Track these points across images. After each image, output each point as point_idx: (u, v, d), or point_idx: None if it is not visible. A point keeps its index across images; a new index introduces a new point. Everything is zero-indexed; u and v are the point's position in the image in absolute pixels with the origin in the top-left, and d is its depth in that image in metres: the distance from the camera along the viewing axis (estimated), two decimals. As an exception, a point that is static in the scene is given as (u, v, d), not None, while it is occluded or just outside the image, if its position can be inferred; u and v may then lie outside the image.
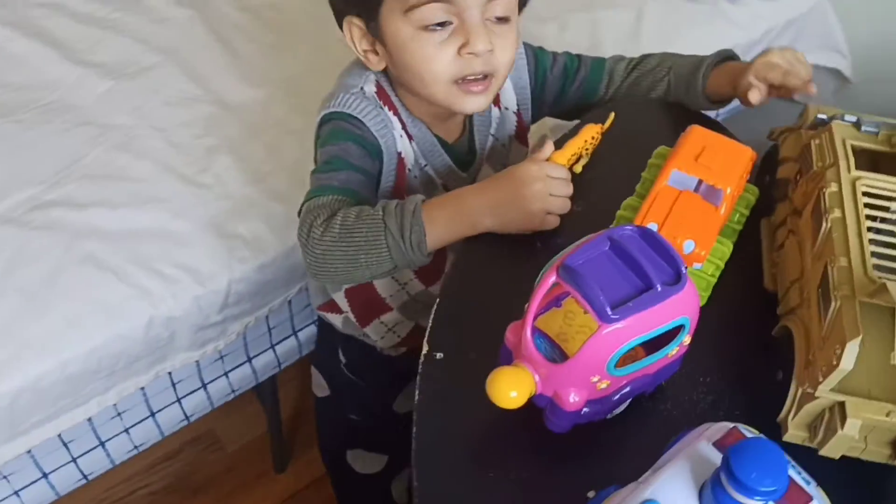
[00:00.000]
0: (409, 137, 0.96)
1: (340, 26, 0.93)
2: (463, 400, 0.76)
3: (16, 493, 1.20)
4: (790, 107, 1.89)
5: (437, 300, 0.82)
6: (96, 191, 1.24)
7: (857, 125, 0.77)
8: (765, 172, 0.89)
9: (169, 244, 1.19)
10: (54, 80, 1.40)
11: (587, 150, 0.93)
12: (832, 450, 0.68)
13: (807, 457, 0.63)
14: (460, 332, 0.80)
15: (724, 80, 1.00)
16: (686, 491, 0.59)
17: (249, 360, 1.37)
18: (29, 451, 1.17)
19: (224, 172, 1.27)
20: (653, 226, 0.77)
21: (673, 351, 0.71)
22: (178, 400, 1.32)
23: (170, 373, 1.25)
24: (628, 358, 0.69)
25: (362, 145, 0.91)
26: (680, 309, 0.67)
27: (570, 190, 0.86)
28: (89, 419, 1.20)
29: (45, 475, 1.22)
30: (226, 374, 1.35)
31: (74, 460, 1.25)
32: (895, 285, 0.61)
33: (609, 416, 0.74)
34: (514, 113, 1.06)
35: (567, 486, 0.71)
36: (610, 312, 0.64)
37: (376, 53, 0.91)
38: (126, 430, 1.28)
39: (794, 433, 0.71)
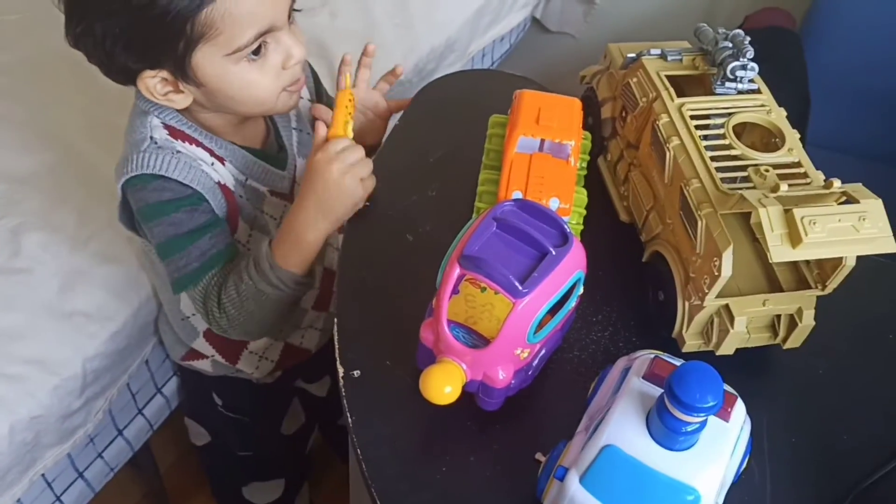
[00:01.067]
0: (221, 161, 0.95)
1: (124, 82, 0.89)
2: (393, 409, 0.77)
3: None
4: (556, 39, 2.01)
5: (336, 321, 0.82)
6: None
7: (662, 56, 0.85)
8: (586, 115, 0.96)
9: (6, 342, 1.10)
10: None
11: (350, 113, 0.94)
12: (727, 347, 0.77)
13: (703, 361, 0.71)
14: (368, 345, 0.81)
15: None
16: (635, 427, 0.65)
17: (120, 432, 1.29)
18: None
19: (39, 251, 1.17)
20: (517, 194, 0.81)
21: (574, 304, 0.77)
22: (58, 498, 1.23)
23: (43, 474, 1.17)
24: (539, 328, 0.73)
25: (182, 206, 0.90)
26: (575, 265, 0.72)
27: (360, 152, 0.89)
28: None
29: None
30: (100, 455, 1.27)
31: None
32: (751, 192, 0.69)
33: (531, 381, 0.79)
34: (308, 100, 1.09)
35: (515, 456, 0.75)
36: (520, 287, 0.68)
37: (180, 92, 0.89)
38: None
39: (691, 343, 0.79)
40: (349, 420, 0.76)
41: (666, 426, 0.62)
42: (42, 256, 1.17)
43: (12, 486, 1.11)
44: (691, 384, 0.60)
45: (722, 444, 0.65)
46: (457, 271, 0.70)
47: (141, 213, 0.91)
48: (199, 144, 0.93)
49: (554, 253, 0.70)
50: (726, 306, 0.75)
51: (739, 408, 0.66)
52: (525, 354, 0.73)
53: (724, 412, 0.65)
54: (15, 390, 1.07)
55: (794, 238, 0.65)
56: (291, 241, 0.89)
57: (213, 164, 0.94)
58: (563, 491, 0.66)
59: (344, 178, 0.86)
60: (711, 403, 0.60)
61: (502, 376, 0.72)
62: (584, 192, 0.87)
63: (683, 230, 0.77)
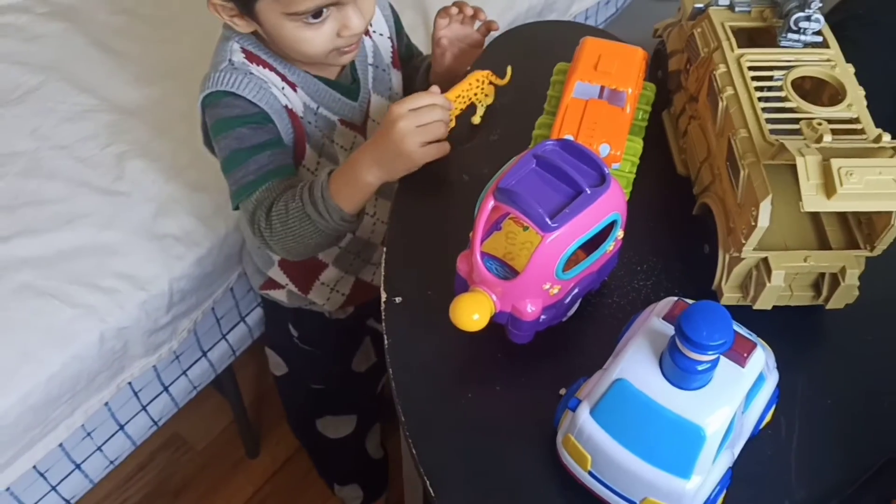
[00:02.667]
0: (293, 87, 0.98)
1: None
2: (428, 335, 0.81)
3: (2, 529, 1.21)
4: (666, 6, 1.98)
5: (385, 248, 0.86)
6: (14, 221, 1.22)
7: (730, 7, 0.83)
8: (656, 68, 0.95)
9: (102, 257, 1.19)
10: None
11: (477, 96, 0.94)
12: (764, 302, 0.76)
13: (744, 316, 0.71)
14: (413, 274, 0.84)
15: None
16: (648, 364, 0.66)
17: (204, 354, 1.38)
18: (8, 489, 1.17)
19: (140, 176, 1.27)
20: (568, 137, 0.82)
21: (610, 247, 0.78)
22: (144, 408, 1.33)
23: (130, 383, 1.26)
24: (572, 262, 0.75)
25: (248, 122, 0.93)
26: (610, 206, 0.73)
27: (439, 114, 0.88)
28: (61, 444, 1.21)
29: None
30: (184, 372, 1.36)
31: (54, 488, 1.25)
32: (792, 142, 0.68)
33: (564, 318, 0.80)
34: (388, 38, 1.10)
35: (539, 389, 0.77)
36: (549, 222, 0.70)
37: (242, 17, 0.93)
38: (99, 448, 1.29)
39: (729, 296, 0.78)
40: (385, 341, 0.79)
41: (676, 364, 0.63)
42: (141, 181, 1.26)
43: (101, 390, 1.21)
44: (699, 322, 0.60)
45: (735, 388, 0.65)
46: (491, 203, 0.72)
47: (212, 128, 0.96)
48: (272, 69, 0.97)
49: (589, 192, 0.71)
50: (765, 259, 0.74)
51: (758, 355, 0.66)
52: (555, 290, 0.75)
53: (739, 357, 0.65)
54: (106, 301, 1.16)
55: (829, 188, 0.64)
56: (348, 178, 0.91)
57: (283, 88, 0.97)
58: (574, 421, 0.68)
59: (405, 138, 0.86)
60: (719, 342, 0.60)
61: (530, 309, 0.74)
62: (640, 141, 0.87)
63: (729, 181, 0.76)
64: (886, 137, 0.68)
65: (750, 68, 0.77)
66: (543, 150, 0.73)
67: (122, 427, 1.31)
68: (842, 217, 0.78)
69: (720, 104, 0.77)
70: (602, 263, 0.79)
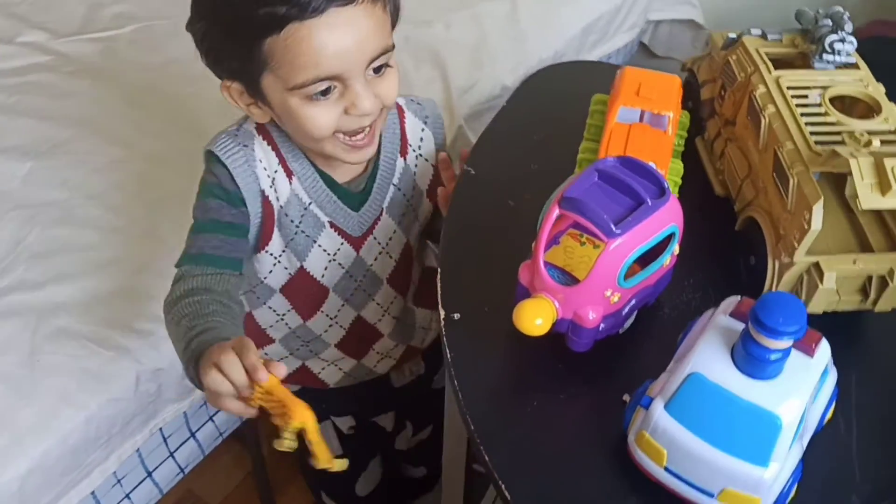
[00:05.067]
0: (289, 174, 0.95)
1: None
2: (488, 349, 0.83)
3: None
4: (661, 62, 2.06)
5: (438, 270, 0.88)
6: (49, 268, 1.24)
7: (763, 36, 0.89)
8: (686, 99, 1.00)
9: (137, 300, 1.20)
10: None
11: (286, 422, 0.74)
12: (816, 305, 0.79)
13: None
14: (468, 294, 0.86)
15: None
16: (720, 358, 0.68)
17: (231, 400, 1.38)
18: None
19: (170, 222, 1.29)
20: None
21: (667, 261, 0.81)
22: (171, 454, 1.32)
23: (160, 428, 1.26)
24: (629, 274, 0.78)
25: (221, 197, 0.91)
26: (670, 218, 0.77)
27: (238, 375, 0.73)
28: (93, 493, 1.20)
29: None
30: (210, 418, 1.36)
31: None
32: (842, 148, 0.72)
33: (621, 330, 0.83)
34: (433, 165, 1.05)
35: (602, 396, 0.79)
36: (614, 228, 0.73)
37: (259, 107, 0.90)
38: (127, 496, 1.28)
39: (781, 302, 0.81)
40: (448, 355, 0.81)
41: (750, 353, 0.65)
42: (173, 227, 1.28)
43: (134, 435, 1.21)
44: (774, 309, 0.63)
45: (805, 377, 0.67)
46: (556, 212, 0.75)
47: (199, 187, 0.94)
48: (276, 149, 0.94)
49: (650, 203, 0.75)
50: (816, 264, 0.78)
51: (824, 347, 0.69)
52: (615, 299, 0.77)
53: (808, 347, 0.67)
54: (142, 344, 1.17)
55: (884, 186, 0.68)
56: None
57: (276, 172, 0.94)
58: (648, 418, 0.69)
59: (204, 366, 0.76)
60: (794, 328, 0.63)
61: (592, 317, 0.77)
62: (681, 163, 0.91)
63: (776, 192, 0.80)
64: (928, 141, 0.72)
65: (788, 88, 0.82)
66: (605, 165, 0.77)
67: (150, 474, 1.30)
68: (882, 223, 0.82)
69: (763, 121, 0.82)
70: (658, 277, 0.82)
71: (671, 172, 0.89)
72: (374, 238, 1.02)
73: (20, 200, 1.33)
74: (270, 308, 1.06)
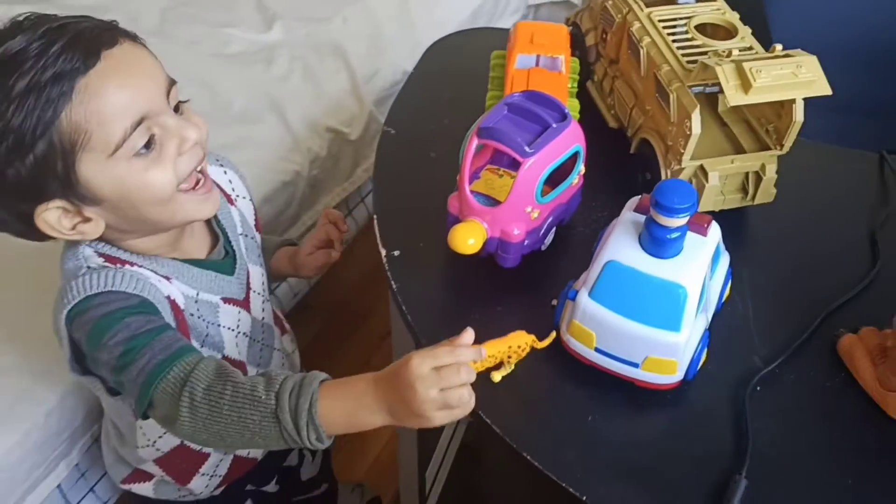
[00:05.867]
0: (167, 279, 0.86)
1: (29, 234, 0.80)
2: (429, 276, 0.92)
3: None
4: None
5: (374, 216, 0.97)
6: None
7: (633, -17, 1.01)
8: (573, 49, 1.12)
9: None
10: None
11: (511, 358, 0.79)
12: (705, 203, 0.92)
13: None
14: (403, 234, 0.95)
15: (284, 261, 1.10)
16: (630, 245, 0.79)
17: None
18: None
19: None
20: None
21: (575, 180, 0.92)
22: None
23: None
24: (544, 195, 0.88)
25: (133, 313, 0.78)
26: (573, 139, 0.88)
27: (465, 377, 0.71)
28: (59, 486, 1.23)
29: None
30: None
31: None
32: (709, 59, 0.84)
33: (543, 247, 0.93)
34: (249, 200, 1.02)
35: (533, 303, 0.89)
36: (527, 149, 0.83)
37: (88, 220, 0.79)
38: (91, 490, 1.31)
39: (676, 206, 0.93)
40: (393, 286, 0.90)
41: (653, 235, 0.77)
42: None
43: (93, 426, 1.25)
44: (670, 192, 0.75)
45: (701, 252, 0.79)
46: (475, 142, 0.85)
47: (90, 335, 0.78)
48: (139, 266, 0.84)
49: (555, 126, 0.86)
50: (701, 167, 0.90)
51: (715, 227, 0.81)
52: (535, 214, 0.88)
53: (700, 227, 0.79)
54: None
55: (746, 85, 0.81)
56: (347, 406, 0.73)
57: (160, 281, 0.84)
58: (575, 308, 0.80)
59: (424, 404, 0.70)
60: (687, 205, 0.74)
61: (516, 232, 0.87)
62: (577, 101, 1.02)
63: (660, 110, 0.92)
64: (779, 47, 0.85)
65: (659, 21, 0.95)
66: (512, 99, 0.87)
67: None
68: (752, 132, 0.95)
69: (641, 52, 0.94)
70: (570, 195, 0.93)
71: (570, 108, 1.00)
72: (254, 291, 0.98)
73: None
74: None
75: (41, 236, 0.80)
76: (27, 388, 1.15)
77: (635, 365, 0.79)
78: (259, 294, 0.99)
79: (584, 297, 0.79)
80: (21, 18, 0.76)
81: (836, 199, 1.01)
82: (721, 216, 0.94)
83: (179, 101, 0.82)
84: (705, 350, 0.82)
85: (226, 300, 0.93)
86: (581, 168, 0.92)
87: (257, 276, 0.99)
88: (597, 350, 0.80)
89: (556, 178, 0.89)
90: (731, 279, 0.88)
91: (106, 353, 0.77)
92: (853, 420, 0.80)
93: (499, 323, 0.88)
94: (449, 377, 0.70)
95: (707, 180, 0.89)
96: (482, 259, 0.91)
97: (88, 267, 0.81)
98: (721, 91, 0.85)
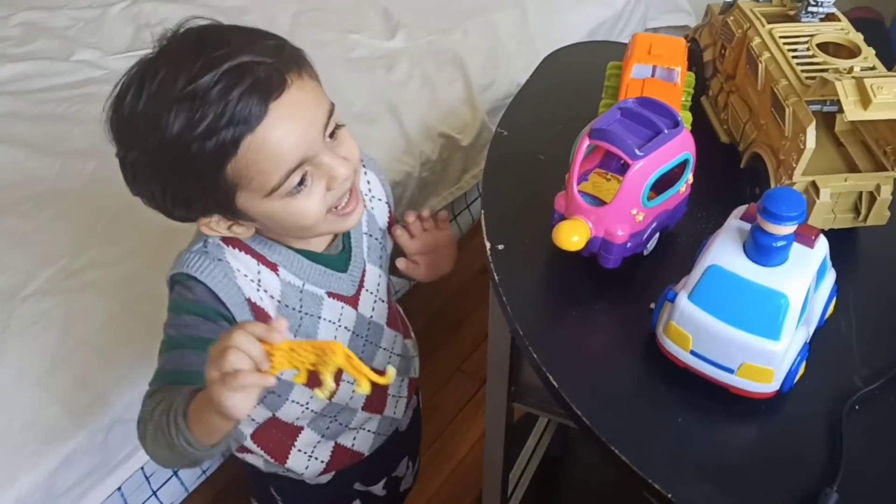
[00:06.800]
0: (274, 268, 0.92)
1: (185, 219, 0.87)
2: (531, 272, 0.95)
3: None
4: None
5: (482, 211, 1.00)
6: (118, 249, 1.37)
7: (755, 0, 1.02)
8: (690, 66, 1.13)
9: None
10: (35, 175, 1.52)
11: (316, 365, 0.74)
12: (815, 221, 0.91)
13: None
14: (509, 230, 0.98)
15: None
16: (733, 251, 0.80)
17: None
18: (119, 488, 1.27)
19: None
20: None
21: (682, 188, 0.93)
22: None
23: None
24: (651, 200, 0.90)
25: (197, 312, 0.87)
26: (683, 146, 0.89)
27: (243, 362, 0.72)
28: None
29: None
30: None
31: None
32: (829, 75, 0.85)
33: (645, 252, 0.94)
34: (386, 203, 1.06)
35: (632, 306, 0.90)
36: (637, 151, 0.85)
37: (241, 225, 0.88)
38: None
39: (784, 222, 0.93)
40: (495, 277, 0.93)
41: (758, 243, 0.77)
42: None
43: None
44: (779, 199, 0.75)
45: (807, 264, 0.79)
46: (586, 143, 0.88)
47: (169, 307, 0.90)
48: (250, 251, 0.91)
49: (666, 132, 0.87)
50: (813, 183, 0.90)
51: (823, 241, 0.80)
52: (640, 217, 0.89)
53: (808, 239, 0.79)
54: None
55: (865, 100, 0.80)
56: (200, 414, 0.78)
57: (259, 273, 0.91)
58: (673, 309, 0.81)
59: (210, 387, 0.73)
60: (796, 213, 0.75)
61: (620, 233, 0.89)
62: (690, 114, 1.03)
63: (775, 125, 0.92)
64: (902, 68, 0.85)
65: (780, 37, 0.95)
66: (626, 104, 0.90)
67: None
68: (868, 151, 0.94)
69: (760, 66, 0.94)
70: (676, 203, 0.94)
71: (682, 117, 1.01)
72: (366, 290, 1.01)
73: (88, 195, 1.46)
74: (293, 401, 1.02)
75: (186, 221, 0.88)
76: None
77: (730, 371, 0.80)
78: (371, 294, 1.02)
79: (683, 300, 0.80)
80: (205, 49, 0.77)
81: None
82: (831, 235, 0.92)
83: (337, 126, 0.85)
84: (803, 363, 0.81)
85: (331, 294, 0.97)
86: (689, 177, 0.93)
87: (373, 276, 1.02)
88: (692, 353, 0.81)
89: (663, 184, 0.91)
90: (835, 297, 0.87)
91: (164, 327, 0.89)
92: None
93: (595, 320, 0.90)
94: (228, 359, 0.72)
95: (818, 197, 0.89)
96: (584, 258, 0.93)
97: (205, 242, 0.89)
98: (839, 109, 0.85)
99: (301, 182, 0.82)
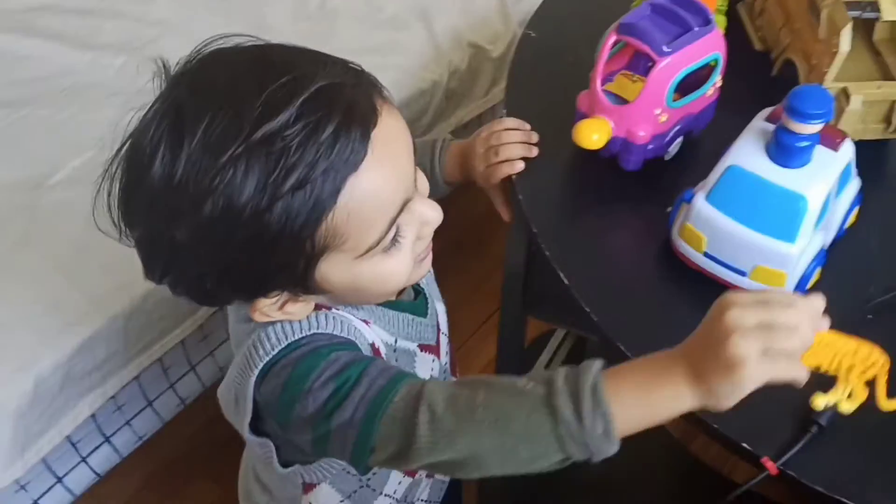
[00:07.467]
0: (366, 323, 0.73)
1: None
2: (552, 173, 0.94)
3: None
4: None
5: (504, 109, 0.99)
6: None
7: None
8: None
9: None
10: (66, 68, 1.52)
11: (843, 371, 0.61)
12: (846, 125, 0.89)
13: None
14: (532, 127, 0.97)
15: (455, 164, 0.91)
16: (755, 152, 0.78)
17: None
18: (137, 378, 1.30)
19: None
20: None
21: (710, 91, 0.90)
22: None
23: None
24: (676, 101, 0.88)
25: (340, 349, 0.67)
26: (714, 46, 0.87)
27: (800, 343, 0.58)
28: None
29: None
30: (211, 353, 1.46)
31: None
32: (868, -26, 0.81)
33: (667, 156, 0.93)
34: None
35: (649, 208, 0.89)
36: (664, 48, 0.83)
37: (299, 302, 0.67)
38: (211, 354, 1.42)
39: (813, 129, 0.91)
40: (512, 176, 0.92)
41: (781, 143, 0.75)
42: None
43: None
44: (805, 96, 0.73)
45: (829, 167, 0.77)
46: (613, 38, 0.86)
47: (290, 383, 0.65)
48: (338, 310, 0.71)
49: (697, 29, 0.85)
50: (844, 89, 0.87)
51: (848, 144, 0.78)
52: (664, 118, 0.87)
53: (832, 142, 0.77)
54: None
55: (904, 0, 0.77)
56: (641, 383, 0.60)
57: (362, 325, 0.72)
58: (690, 210, 0.80)
59: (730, 336, 0.56)
60: (821, 111, 0.72)
61: (642, 134, 0.87)
62: (725, 19, 1.00)
63: (809, 29, 0.89)
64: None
65: (822, -62, 0.91)
66: (657, 0, 0.87)
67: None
68: (905, 59, 0.91)
69: (798, -32, 0.91)
70: (702, 107, 0.91)
71: (717, 23, 0.98)
72: (442, 333, 0.84)
73: (116, 89, 1.46)
74: (385, 495, 0.83)
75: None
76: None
77: (743, 273, 0.79)
78: (445, 335, 0.85)
79: (700, 200, 0.79)
80: (266, 78, 0.58)
81: None
82: (860, 146, 0.90)
83: None
84: (818, 269, 0.80)
85: (422, 347, 0.79)
86: (718, 79, 0.90)
87: (442, 314, 0.84)
88: (706, 255, 0.80)
89: (690, 86, 0.88)
90: (858, 206, 0.85)
91: (311, 400, 0.64)
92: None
93: (612, 221, 0.90)
94: (777, 337, 0.56)
95: (849, 104, 0.86)
96: (605, 160, 0.91)
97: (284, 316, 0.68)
98: (878, 15, 0.82)
99: (397, 234, 0.65)
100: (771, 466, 0.69)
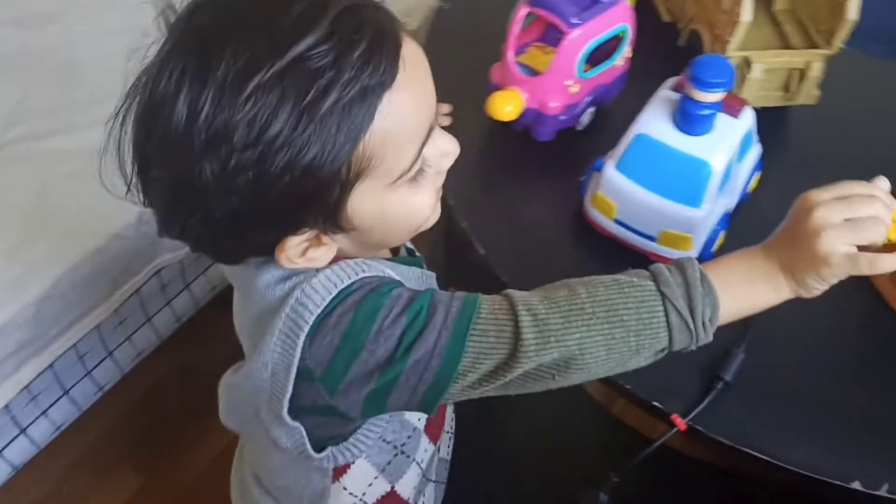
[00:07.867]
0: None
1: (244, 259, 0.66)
2: (467, 146, 0.94)
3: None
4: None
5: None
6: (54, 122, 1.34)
7: None
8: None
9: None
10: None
11: None
12: (747, 92, 0.92)
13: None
14: (444, 101, 0.97)
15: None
16: (662, 121, 0.81)
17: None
18: (51, 365, 1.27)
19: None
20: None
21: (619, 61, 0.92)
22: (169, 302, 1.43)
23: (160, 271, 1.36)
24: (587, 73, 0.89)
25: (395, 286, 0.64)
26: (622, 17, 0.89)
27: (879, 209, 0.62)
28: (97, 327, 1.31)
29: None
30: (204, 271, 1.47)
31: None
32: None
33: (579, 126, 0.95)
34: None
35: (562, 179, 0.91)
36: (573, 20, 0.84)
37: (322, 245, 0.63)
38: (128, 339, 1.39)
39: (717, 97, 0.94)
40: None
41: (686, 111, 0.78)
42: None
43: (135, 275, 1.32)
44: (706, 65, 0.75)
45: (731, 134, 0.80)
46: (524, 10, 0.87)
47: (352, 329, 0.61)
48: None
49: (605, 1, 0.87)
50: (746, 58, 0.90)
51: (748, 111, 0.81)
52: (575, 90, 0.89)
53: (734, 109, 0.80)
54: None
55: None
56: (743, 275, 0.65)
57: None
58: (600, 179, 0.82)
59: (822, 234, 0.61)
60: (722, 80, 0.75)
61: (554, 105, 0.89)
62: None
63: (714, 1, 0.92)
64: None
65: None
66: (564, -28, 0.88)
67: (149, 319, 1.41)
68: (803, 29, 0.94)
69: (700, -61, 0.93)
70: (613, 77, 0.94)
71: (624, -2, 1.00)
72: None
73: (17, 64, 1.41)
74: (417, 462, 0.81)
75: (243, 260, 0.66)
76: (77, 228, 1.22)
77: (652, 238, 0.81)
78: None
79: (610, 169, 0.81)
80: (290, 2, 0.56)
81: (880, 111, 1.00)
82: (762, 114, 0.94)
83: None
84: (722, 233, 0.83)
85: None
86: (627, 50, 0.92)
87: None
88: (616, 221, 0.82)
89: (600, 57, 0.90)
90: (759, 171, 0.88)
91: (381, 340, 0.61)
92: (861, 313, 0.81)
93: (527, 191, 0.91)
94: (858, 206, 0.62)
95: (750, 72, 0.89)
96: (518, 132, 0.93)
97: (317, 270, 0.64)
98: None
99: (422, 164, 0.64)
100: (680, 423, 0.72)
